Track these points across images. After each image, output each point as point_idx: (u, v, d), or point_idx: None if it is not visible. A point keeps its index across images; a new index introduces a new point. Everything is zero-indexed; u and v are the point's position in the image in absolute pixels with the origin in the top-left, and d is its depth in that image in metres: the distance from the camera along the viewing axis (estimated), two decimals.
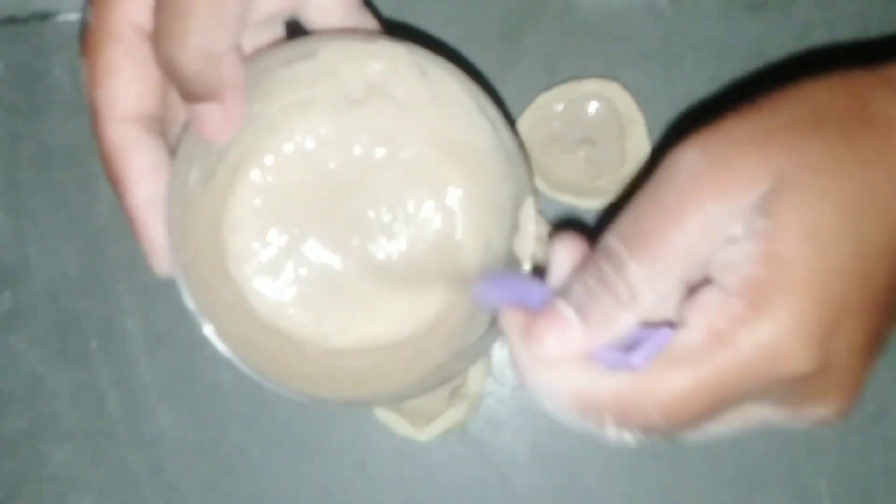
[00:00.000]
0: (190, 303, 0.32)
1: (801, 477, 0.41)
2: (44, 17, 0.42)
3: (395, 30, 0.36)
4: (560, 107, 0.42)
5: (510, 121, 0.34)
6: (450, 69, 0.32)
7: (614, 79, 0.41)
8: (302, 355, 0.36)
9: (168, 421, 0.42)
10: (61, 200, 0.42)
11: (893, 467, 0.41)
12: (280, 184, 0.36)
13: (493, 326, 0.32)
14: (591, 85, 0.41)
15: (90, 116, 0.31)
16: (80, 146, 0.42)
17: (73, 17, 0.42)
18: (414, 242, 0.37)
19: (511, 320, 0.27)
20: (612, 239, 0.26)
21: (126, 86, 0.30)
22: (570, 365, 0.26)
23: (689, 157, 0.25)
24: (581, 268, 0.27)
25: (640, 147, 0.41)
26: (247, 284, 0.36)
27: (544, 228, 0.33)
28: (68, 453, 0.42)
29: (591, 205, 0.41)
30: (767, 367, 0.24)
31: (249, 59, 0.32)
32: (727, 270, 0.24)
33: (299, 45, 0.32)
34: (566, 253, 0.27)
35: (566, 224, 0.42)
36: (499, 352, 0.42)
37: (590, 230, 0.42)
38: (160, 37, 0.29)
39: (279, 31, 0.34)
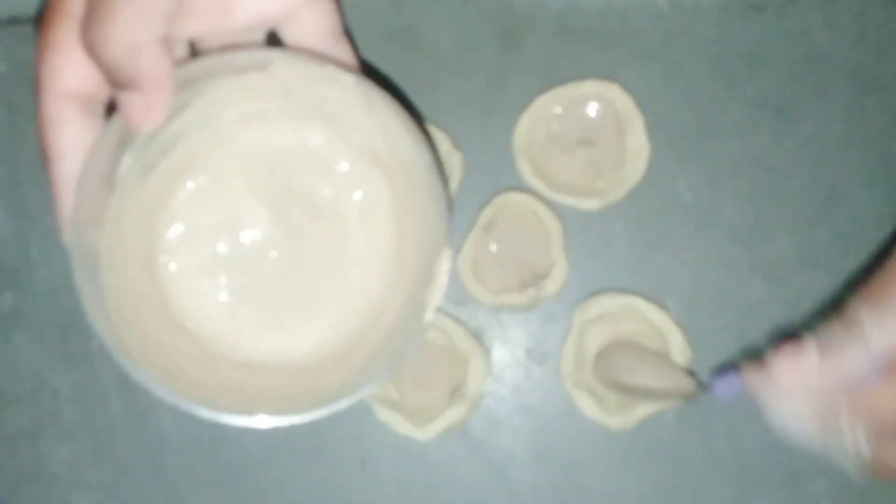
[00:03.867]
0: (79, 280, 0.31)
1: (801, 477, 0.41)
2: None
3: (369, 69, 0.36)
4: (559, 108, 0.42)
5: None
6: (395, 108, 0.33)
7: (614, 80, 0.42)
8: (209, 362, 0.35)
9: (169, 420, 0.42)
10: None
11: None
12: (224, 189, 0.37)
13: (392, 366, 0.33)
14: (590, 86, 0.42)
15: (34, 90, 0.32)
16: None
17: None
18: (336, 263, 0.37)
19: (755, 374, 0.33)
20: (854, 298, 0.32)
21: (68, 63, 0.31)
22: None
23: None
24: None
25: (639, 147, 0.41)
26: (170, 280, 0.36)
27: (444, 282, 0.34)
28: (70, 452, 0.42)
29: (590, 205, 0.41)
30: None
31: (196, 57, 0.33)
32: None
33: (250, 55, 0.33)
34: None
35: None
36: (499, 351, 0.42)
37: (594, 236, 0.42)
38: (87, 22, 0.29)
39: (259, 41, 0.34)
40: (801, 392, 0.32)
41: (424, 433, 0.40)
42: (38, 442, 0.42)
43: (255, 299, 0.37)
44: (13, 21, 0.43)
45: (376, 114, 0.33)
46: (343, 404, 0.32)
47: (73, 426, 0.42)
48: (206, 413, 0.32)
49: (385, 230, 0.37)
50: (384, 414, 0.41)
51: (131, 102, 0.31)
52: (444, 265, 0.33)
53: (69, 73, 0.31)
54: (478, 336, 0.42)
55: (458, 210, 0.42)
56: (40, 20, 0.32)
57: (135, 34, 0.29)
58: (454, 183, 0.42)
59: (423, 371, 0.42)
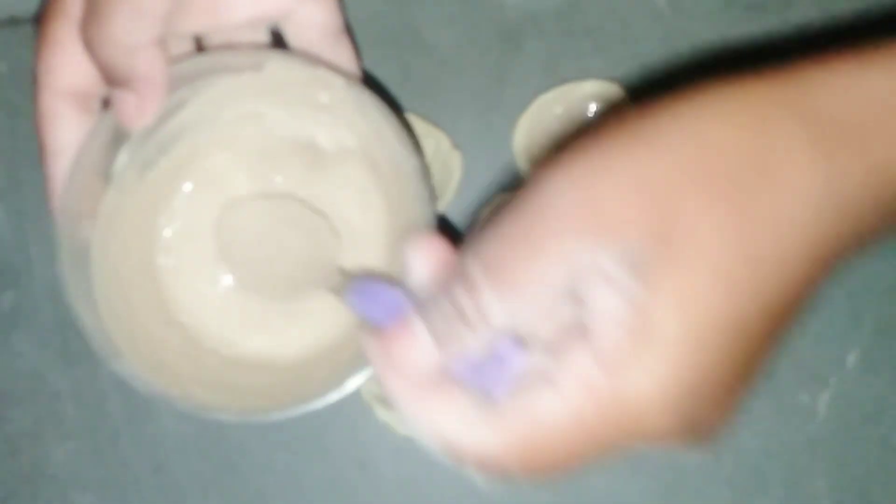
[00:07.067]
0: (63, 268, 0.32)
1: (800, 477, 0.41)
2: None
3: (365, 73, 0.37)
4: (559, 108, 0.42)
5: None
6: (385, 112, 0.33)
7: (614, 80, 0.42)
8: (199, 358, 0.36)
9: (169, 420, 0.42)
10: None
11: (892, 467, 0.41)
12: (222, 188, 0.37)
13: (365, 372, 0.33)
14: (590, 86, 0.42)
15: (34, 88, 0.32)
16: None
17: None
18: (328, 268, 0.37)
19: (372, 344, 0.28)
20: (471, 261, 0.26)
21: (65, 61, 0.31)
22: (440, 402, 0.26)
23: (560, 186, 0.25)
24: (441, 284, 0.27)
25: None
26: (167, 275, 0.37)
27: None
28: (70, 453, 0.42)
29: None
30: (632, 427, 0.24)
31: (189, 56, 0.33)
32: (599, 325, 0.24)
33: (245, 55, 0.33)
34: (425, 257, 0.28)
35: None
36: None
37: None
38: (86, 20, 0.30)
39: (263, 36, 0.34)
40: (432, 410, 0.26)
41: None
42: (38, 442, 0.42)
43: (247, 298, 0.37)
44: (13, 21, 0.43)
45: (367, 117, 0.33)
46: (317, 405, 0.33)
47: (73, 426, 0.42)
48: (184, 405, 0.33)
49: (377, 234, 0.37)
50: (384, 414, 0.41)
51: (125, 101, 0.31)
52: None
53: (66, 70, 0.31)
54: None
55: (458, 210, 0.42)
56: (39, 19, 0.32)
57: (131, 36, 0.30)
58: (454, 183, 0.42)
59: None
